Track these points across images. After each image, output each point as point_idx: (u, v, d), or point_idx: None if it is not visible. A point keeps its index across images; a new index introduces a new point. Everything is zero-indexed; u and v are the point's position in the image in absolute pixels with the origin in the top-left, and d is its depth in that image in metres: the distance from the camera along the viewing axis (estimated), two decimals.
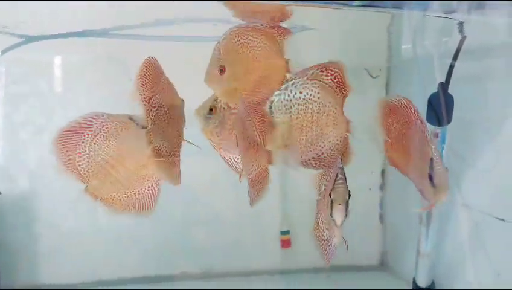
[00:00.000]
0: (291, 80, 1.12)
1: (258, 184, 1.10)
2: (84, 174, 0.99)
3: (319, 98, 1.12)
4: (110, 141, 0.99)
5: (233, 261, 1.75)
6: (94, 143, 0.98)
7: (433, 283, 1.56)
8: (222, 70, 1.05)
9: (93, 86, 1.64)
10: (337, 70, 1.12)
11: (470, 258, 1.43)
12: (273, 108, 1.12)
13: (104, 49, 1.59)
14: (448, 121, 1.34)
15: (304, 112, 1.12)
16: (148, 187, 1.05)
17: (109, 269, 1.72)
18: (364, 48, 1.73)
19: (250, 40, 1.06)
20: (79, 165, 0.98)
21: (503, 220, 1.32)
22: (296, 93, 1.12)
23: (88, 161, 0.98)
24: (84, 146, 0.98)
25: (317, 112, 1.12)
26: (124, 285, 1.72)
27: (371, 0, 1.13)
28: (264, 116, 1.11)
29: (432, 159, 1.05)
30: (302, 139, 1.14)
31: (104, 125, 0.98)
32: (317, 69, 1.12)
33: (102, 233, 1.68)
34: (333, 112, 1.13)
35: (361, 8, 1.16)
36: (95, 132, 0.98)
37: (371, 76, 1.73)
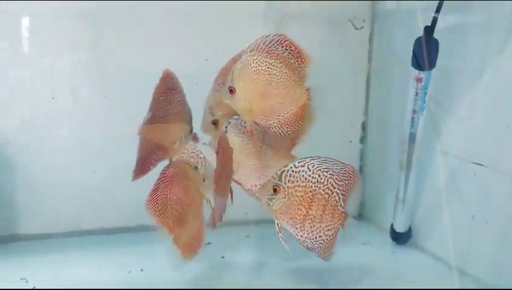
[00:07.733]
0: None
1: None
2: None
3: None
4: None
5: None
6: None
7: (410, 228, 1.61)
8: (232, 91, 1.10)
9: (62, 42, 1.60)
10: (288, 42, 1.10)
11: (446, 202, 1.48)
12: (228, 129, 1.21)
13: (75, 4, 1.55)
14: (432, 66, 1.36)
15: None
16: None
17: (89, 219, 1.71)
18: None
19: (268, 67, 1.08)
20: None
21: (481, 165, 1.37)
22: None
23: None
24: None
25: None
26: (105, 235, 1.71)
27: None
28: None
29: None
30: (249, 165, 1.22)
31: None
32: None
33: (81, 184, 1.66)
34: None
35: None
36: None
37: (355, 27, 1.73)
